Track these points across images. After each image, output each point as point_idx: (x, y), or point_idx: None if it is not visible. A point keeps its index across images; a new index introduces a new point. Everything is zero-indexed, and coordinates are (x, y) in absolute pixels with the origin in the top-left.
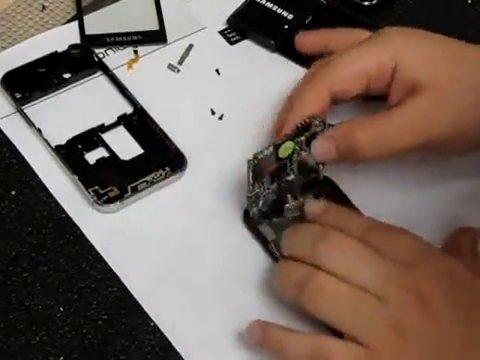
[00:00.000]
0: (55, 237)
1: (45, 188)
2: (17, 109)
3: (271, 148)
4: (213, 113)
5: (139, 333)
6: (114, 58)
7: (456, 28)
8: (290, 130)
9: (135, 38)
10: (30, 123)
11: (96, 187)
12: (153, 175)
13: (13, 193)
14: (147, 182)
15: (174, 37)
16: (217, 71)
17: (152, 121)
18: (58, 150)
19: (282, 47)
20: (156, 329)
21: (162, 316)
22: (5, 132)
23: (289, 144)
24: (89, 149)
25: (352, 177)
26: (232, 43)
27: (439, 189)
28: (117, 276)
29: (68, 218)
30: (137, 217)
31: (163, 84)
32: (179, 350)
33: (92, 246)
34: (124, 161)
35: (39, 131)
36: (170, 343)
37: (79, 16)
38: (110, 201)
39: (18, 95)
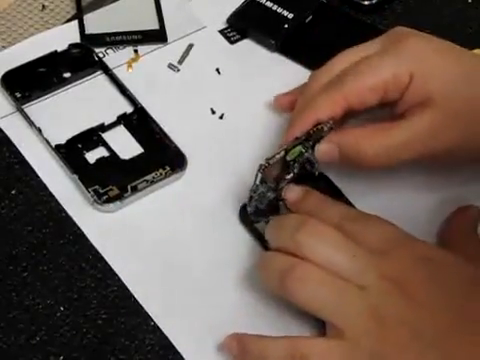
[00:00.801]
0: (55, 236)
1: (45, 187)
2: (17, 108)
3: (282, 152)
4: (213, 112)
5: (139, 332)
6: (114, 57)
7: (457, 27)
8: (301, 134)
9: (135, 37)
10: (30, 122)
11: (96, 186)
12: (153, 174)
13: (13, 192)
14: (147, 181)
15: (174, 36)
16: (217, 70)
17: (152, 120)
18: (58, 149)
19: (282, 46)
20: (156, 328)
21: (162, 315)
22: (5, 131)
23: (298, 148)
24: (89, 148)
25: (347, 173)
26: (232, 42)
27: (435, 185)
28: (117, 275)
29: (68, 217)
30: (137, 216)
31: (163, 83)
32: (179, 349)
33: (92, 245)
34: (124, 160)
35: (39, 130)
36: (170, 342)
37: (79, 15)
38: (110, 200)
39: (18, 94)
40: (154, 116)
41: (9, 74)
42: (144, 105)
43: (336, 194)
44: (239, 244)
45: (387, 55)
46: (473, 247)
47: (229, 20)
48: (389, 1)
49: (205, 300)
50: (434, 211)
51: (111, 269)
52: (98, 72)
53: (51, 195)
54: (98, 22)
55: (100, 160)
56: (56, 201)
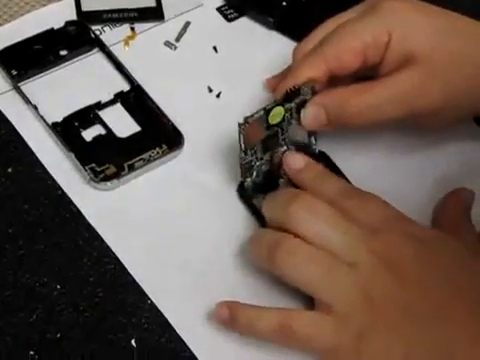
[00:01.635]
0: (51, 215)
1: (41, 166)
2: (13, 86)
3: (261, 112)
4: (210, 91)
5: (136, 310)
6: (111, 35)
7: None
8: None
9: (132, 15)
10: (26, 100)
11: (93, 165)
12: (150, 153)
13: (9, 170)
14: (144, 160)
15: (171, 14)
16: (214, 48)
17: (149, 98)
18: (55, 127)
19: (280, 24)
20: (153, 306)
21: (159, 293)
22: (1, 109)
23: (279, 110)
24: (86, 126)
25: (348, 153)
26: (230, 20)
27: (434, 168)
28: (114, 253)
29: (65, 196)
30: (134, 194)
31: (160, 61)
32: (176, 327)
33: (89, 224)
34: (121, 139)
35: (35, 108)
36: (167, 320)
37: None
38: (107, 179)
39: (14, 72)
40: (151, 94)
41: (5, 51)
42: (141, 83)
43: (337, 174)
44: (237, 221)
45: (364, 17)
46: (466, 230)
47: None
48: None
49: (202, 278)
50: (429, 193)
51: (108, 247)
52: (95, 50)
53: (47, 173)
54: None
55: (97, 138)
56: (53, 179)
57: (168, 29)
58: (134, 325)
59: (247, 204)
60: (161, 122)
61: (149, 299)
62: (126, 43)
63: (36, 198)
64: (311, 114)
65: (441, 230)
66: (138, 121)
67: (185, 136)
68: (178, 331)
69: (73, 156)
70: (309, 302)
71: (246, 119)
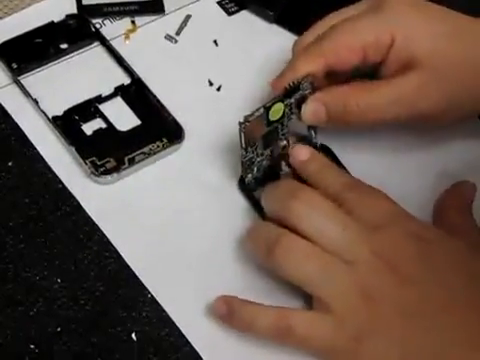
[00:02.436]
0: (52, 208)
1: (42, 159)
2: (14, 80)
3: (261, 110)
4: (211, 84)
5: (136, 304)
6: (111, 28)
7: None
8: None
9: (132, 8)
10: (27, 94)
11: (93, 158)
12: (150, 146)
13: (10, 164)
14: (144, 153)
15: (172, 7)
16: (215, 42)
17: (149, 92)
18: (55, 121)
19: (280, 18)
20: (153, 300)
21: (159, 287)
22: (1, 103)
23: (279, 106)
24: (86, 120)
25: (350, 148)
26: (230, 14)
27: (437, 164)
28: (114, 247)
29: (65, 189)
30: (134, 188)
31: (161, 55)
32: (176, 321)
33: (89, 217)
34: (121, 132)
35: (36, 102)
36: (167, 314)
37: None
38: (107, 172)
39: (14, 65)
40: (151, 87)
41: (5, 45)
42: (141, 76)
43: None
44: (238, 215)
45: (368, 16)
46: (467, 224)
47: None
48: None
49: (203, 272)
50: (432, 190)
51: (108, 241)
52: (95, 43)
53: (48, 167)
54: None
55: (97, 132)
56: (53, 173)
57: (169, 22)
58: (134, 319)
59: (248, 197)
60: (161, 116)
61: (149, 293)
62: (126, 36)
63: (36, 192)
64: (311, 110)
65: (442, 225)
66: (138, 115)
67: (185, 129)
68: (178, 325)
69: (73, 150)
70: (308, 298)
71: (246, 118)
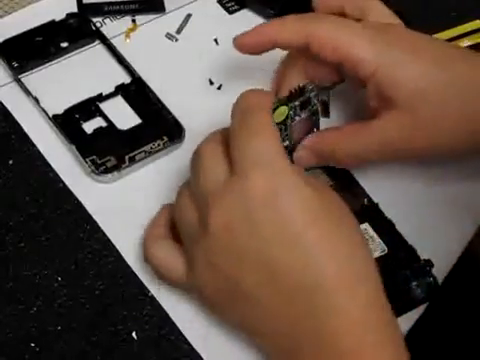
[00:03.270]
0: (52, 207)
1: (42, 158)
2: (14, 78)
3: None
4: (211, 83)
5: (136, 303)
6: (112, 27)
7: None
8: (282, 96)
9: (133, 7)
10: (27, 92)
11: (94, 157)
12: (151, 145)
13: (10, 162)
14: (145, 152)
15: (172, 6)
16: (215, 41)
17: (150, 91)
18: (55, 119)
19: (280, 16)
20: (153, 299)
21: (159, 286)
22: (2, 101)
23: (283, 109)
24: (86, 119)
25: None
26: (231, 12)
27: (449, 174)
28: (114, 246)
29: (65, 188)
30: (135, 187)
31: (161, 53)
32: (175, 320)
33: (89, 216)
34: (122, 131)
35: (36, 100)
36: (167, 313)
37: None
38: (108, 171)
39: (15, 64)
40: (152, 86)
41: (6, 43)
42: (142, 75)
43: (349, 180)
44: None
45: (363, 39)
46: None
47: None
48: None
49: None
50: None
51: (108, 240)
52: (96, 42)
53: (48, 165)
54: None
55: (98, 130)
56: (53, 171)
57: (169, 21)
58: (134, 318)
59: None
60: (162, 114)
61: (149, 292)
62: (127, 35)
63: (37, 190)
64: (302, 157)
65: None
66: (139, 113)
67: (186, 128)
68: (178, 324)
69: (74, 148)
70: None
71: None
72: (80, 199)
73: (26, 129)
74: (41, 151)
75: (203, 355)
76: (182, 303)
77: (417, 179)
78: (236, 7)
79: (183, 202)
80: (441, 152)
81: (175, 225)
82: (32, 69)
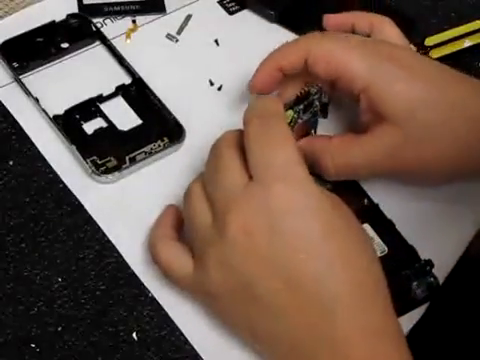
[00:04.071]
0: (53, 208)
1: (43, 158)
2: (15, 78)
3: None
4: (212, 84)
5: (137, 304)
6: (112, 28)
7: None
8: (289, 100)
9: (133, 7)
10: (28, 93)
11: (94, 157)
12: (151, 146)
13: (11, 163)
14: (145, 153)
15: (172, 7)
16: (216, 41)
17: (150, 91)
18: (56, 120)
19: (281, 17)
20: (153, 300)
21: (159, 287)
22: (3, 102)
23: (289, 113)
24: (87, 119)
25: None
26: (231, 13)
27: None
28: (115, 247)
29: (66, 188)
30: (135, 188)
31: (162, 54)
32: (175, 320)
33: (90, 217)
34: (122, 132)
35: (37, 101)
36: (167, 314)
37: None
38: (108, 172)
39: (16, 64)
40: (152, 87)
41: (7, 44)
42: (142, 76)
43: (350, 181)
44: None
45: (356, 55)
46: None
47: None
48: None
49: None
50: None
51: (109, 240)
52: (96, 42)
53: (49, 166)
54: None
55: (98, 131)
56: (54, 172)
57: (169, 22)
58: (135, 318)
59: None
60: (162, 115)
61: (149, 292)
62: (128, 36)
63: (37, 191)
64: None
65: None
66: (139, 114)
67: (186, 129)
68: (178, 325)
69: (74, 149)
70: None
71: None
72: (81, 200)
73: (26, 130)
74: (41, 152)
75: (203, 356)
76: (182, 304)
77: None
78: (236, 8)
79: (197, 201)
80: (429, 173)
81: (181, 224)
82: (33, 70)
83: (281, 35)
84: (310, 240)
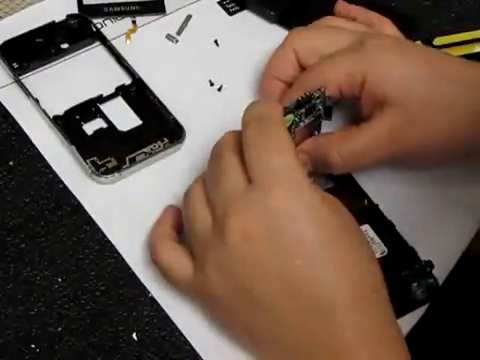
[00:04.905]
0: (53, 208)
1: (43, 159)
2: (15, 79)
3: None
4: (212, 84)
5: (137, 304)
6: (112, 28)
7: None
8: (290, 103)
9: (133, 8)
10: (28, 93)
11: (94, 158)
12: (151, 146)
13: (11, 164)
14: (145, 153)
15: (173, 7)
16: (216, 42)
17: (150, 92)
18: (56, 121)
19: (281, 18)
20: (153, 300)
21: (159, 287)
22: (2, 102)
23: (289, 117)
24: (87, 120)
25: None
26: (231, 14)
27: (450, 175)
28: (115, 247)
29: (66, 189)
30: (135, 188)
31: (162, 55)
32: (175, 321)
33: (90, 217)
34: (122, 132)
35: (37, 101)
36: (167, 314)
37: None
38: (108, 172)
39: (15, 65)
40: (152, 88)
41: (6, 44)
42: (142, 76)
43: (349, 182)
44: None
45: (346, 53)
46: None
47: None
48: None
49: None
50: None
51: (109, 241)
52: (96, 43)
53: (49, 166)
54: None
55: (98, 132)
56: (54, 173)
57: (169, 22)
58: (135, 319)
59: None
60: (162, 116)
61: (149, 293)
62: (127, 36)
63: (37, 191)
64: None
65: None
66: (139, 115)
67: (186, 130)
68: (178, 325)
69: (74, 149)
70: None
71: None
72: (80, 200)
73: (26, 130)
74: (41, 152)
75: (203, 356)
76: (182, 304)
77: (417, 180)
78: (236, 8)
79: (197, 204)
80: (430, 153)
81: (181, 224)
82: (33, 70)
83: (281, 35)
84: (309, 245)
